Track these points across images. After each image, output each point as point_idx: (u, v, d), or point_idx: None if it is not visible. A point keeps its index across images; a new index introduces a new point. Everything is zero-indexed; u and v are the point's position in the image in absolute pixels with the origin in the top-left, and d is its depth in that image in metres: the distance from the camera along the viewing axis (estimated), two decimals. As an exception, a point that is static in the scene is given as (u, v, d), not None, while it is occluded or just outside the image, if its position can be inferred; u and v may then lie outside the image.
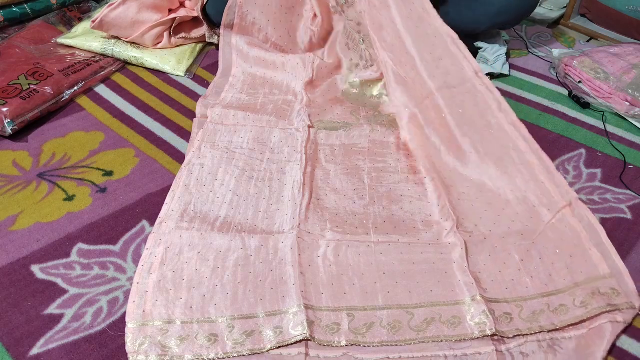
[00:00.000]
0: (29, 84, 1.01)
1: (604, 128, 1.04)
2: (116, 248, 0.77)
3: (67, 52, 1.16)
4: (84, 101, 1.07)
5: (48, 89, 1.02)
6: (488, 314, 0.66)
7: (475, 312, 0.67)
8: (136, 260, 0.75)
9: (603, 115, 1.07)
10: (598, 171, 0.93)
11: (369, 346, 0.65)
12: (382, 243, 0.76)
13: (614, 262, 0.73)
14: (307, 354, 0.64)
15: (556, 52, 1.23)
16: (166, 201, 0.82)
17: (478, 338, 0.65)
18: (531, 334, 0.66)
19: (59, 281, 0.72)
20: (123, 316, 0.67)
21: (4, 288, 0.71)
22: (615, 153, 0.97)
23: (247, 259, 0.74)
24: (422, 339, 0.65)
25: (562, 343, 0.65)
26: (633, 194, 0.89)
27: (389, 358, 0.64)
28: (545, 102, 1.11)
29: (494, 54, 1.19)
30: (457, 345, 0.65)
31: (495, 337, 0.65)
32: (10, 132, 0.95)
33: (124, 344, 0.64)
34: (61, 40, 1.19)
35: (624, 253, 0.78)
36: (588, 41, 1.37)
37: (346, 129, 0.99)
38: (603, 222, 0.83)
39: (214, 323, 0.66)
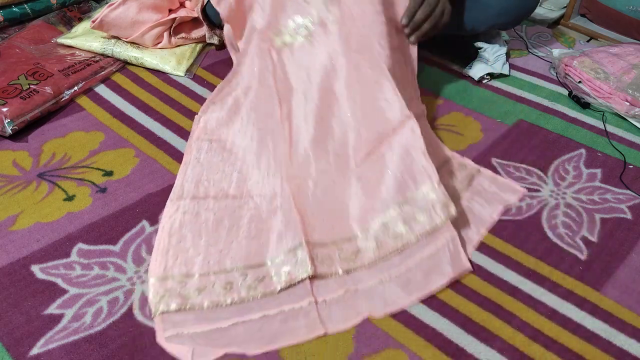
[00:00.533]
0: (29, 84, 1.01)
1: (604, 128, 1.04)
2: (116, 248, 0.77)
3: (67, 52, 1.16)
4: (84, 101, 1.07)
5: (48, 89, 1.02)
6: (446, 194, 0.74)
7: (436, 195, 0.74)
8: (136, 260, 0.75)
9: (603, 115, 1.07)
10: (598, 171, 0.93)
11: (362, 269, 0.72)
12: (361, 166, 0.81)
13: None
14: (316, 302, 0.69)
15: (556, 52, 1.23)
16: (179, 174, 0.84)
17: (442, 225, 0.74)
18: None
19: (59, 281, 0.72)
20: (123, 316, 0.68)
21: (4, 288, 0.71)
22: (615, 153, 0.97)
23: (259, 217, 0.78)
24: (402, 246, 0.73)
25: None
26: (633, 194, 0.89)
27: (381, 280, 0.71)
28: (545, 102, 1.11)
29: (494, 54, 1.19)
30: (428, 242, 0.73)
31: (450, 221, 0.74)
32: (10, 132, 0.95)
33: (124, 344, 0.64)
34: (61, 40, 1.19)
35: (624, 253, 0.78)
36: (588, 41, 1.37)
37: (309, 37, 0.90)
38: (603, 222, 0.83)
39: (229, 273, 0.72)
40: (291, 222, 0.75)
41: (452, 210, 0.73)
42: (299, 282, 0.71)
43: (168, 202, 0.80)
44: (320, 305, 0.69)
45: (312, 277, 0.71)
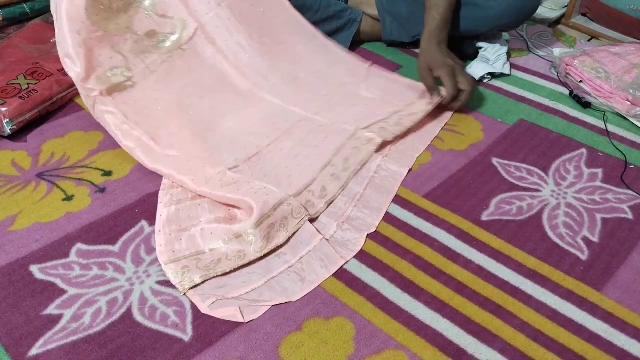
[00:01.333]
0: (28, 84, 1.01)
1: (605, 128, 1.03)
2: (115, 248, 0.77)
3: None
4: (82, 101, 1.07)
5: (47, 89, 1.02)
6: (373, 136, 0.93)
7: (361, 136, 0.93)
8: (135, 260, 0.75)
9: (604, 115, 1.07)
10: (599, 171, 0.93)
11: (335, 200, 0.84)
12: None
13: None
14: (323, 238, 0.77)
15: (557, 51, 1.22)
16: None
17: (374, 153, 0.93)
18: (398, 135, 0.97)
19: (58, 281, 0.72)
20: (122, 317, 0.67)
21: (3, 288, 0.71)
22: (616, 153, 0.97)
23: (250, 184, 0.81)
24: (352, 171, 0.88)
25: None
26: (634, 194, 0.88)
27: (357, 199, 0.85)
28: (546, 102, 1.11)
29: (494, 53, 1.18)
30: (382, 166, 0.91)
31: (382, 147, 0.94)
32: (9, 132, 0.95)
33: (123, 345, 0.64)
34: (60, 39, 1.18)
35: (625, 253, 0.78)
36: (589, 41, 1.37)
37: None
38: (604, 222, 0.83)
39: (237, 240, 0.75)
40: (267, 187, 0.81)
41: (378, 139, 0.93)
42: (297, 231, 0.78)
43: (160, 192, 0.84)
44: (329, 240, 0.77)
45: (311, 220, 0.80)
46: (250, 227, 0.75)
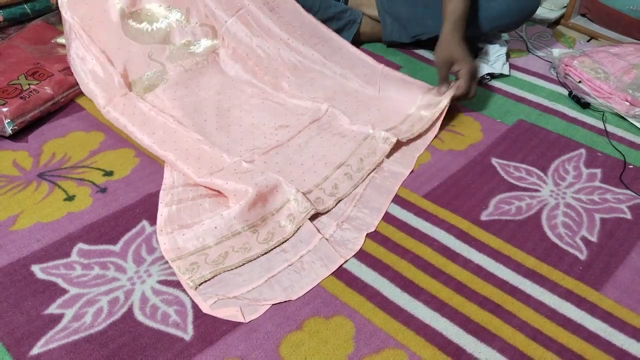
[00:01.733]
0: (29, 84, 1.01)
1: (604, 128, 1.04)
2: (116, 248, 0.77)
3: (66, 52, 1.15)
4: (83, 101, 1.07)
5: (48, 89, 1.02)
6: (389, 135, 0.94)
7: (378, 136, 0.95)
8: (136, 260, 0.75)
9: (603, 115, 1.07)
10: (598, 171, 0.93)
11: (346, 197, 0.86)
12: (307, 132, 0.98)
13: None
14: (323, 237, 0.78)
15: (556, 52, 1.23)
16: (166, 167, 0.90)
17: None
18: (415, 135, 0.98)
19: (59, 281, 0.72)
20: (123, 316, 0.68)
21: (5, 288, 0.71)
22: (615, 153, 0.97)
23: (264, 175, 0.83)
24: (366, 171, 0.90)
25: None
26: (633, 194, 0.89)
27: (357, 199, 0.86)
28: (546, 102, 1.11)
29: (494, 54, 1.19)
30: (383, 167, 0.92)
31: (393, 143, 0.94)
32: (10, 132, 0.95)
33: (124, 344, 0.64)
34: (61, 40, 1.18)
35: (623, 253, 0.78)
36: (588, 41, 1.37)
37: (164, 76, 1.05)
38: (603, 222, 0.83)
39: (241, 234, 0.77)
40: (278, 180, 0.83)
41: (393, 139, 0.94)
42: (302, 225, 0.79)
43: (161, 192, 0.84)
44: (329, 240, 0.78)
45: (311, 219, 0.80)
46: (250, 224, 0.78)
